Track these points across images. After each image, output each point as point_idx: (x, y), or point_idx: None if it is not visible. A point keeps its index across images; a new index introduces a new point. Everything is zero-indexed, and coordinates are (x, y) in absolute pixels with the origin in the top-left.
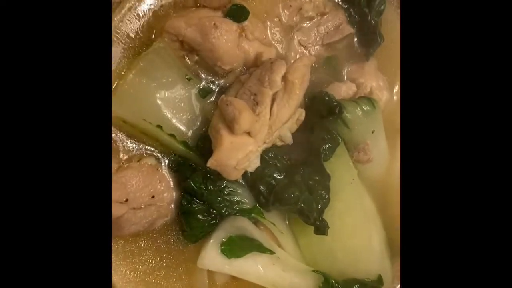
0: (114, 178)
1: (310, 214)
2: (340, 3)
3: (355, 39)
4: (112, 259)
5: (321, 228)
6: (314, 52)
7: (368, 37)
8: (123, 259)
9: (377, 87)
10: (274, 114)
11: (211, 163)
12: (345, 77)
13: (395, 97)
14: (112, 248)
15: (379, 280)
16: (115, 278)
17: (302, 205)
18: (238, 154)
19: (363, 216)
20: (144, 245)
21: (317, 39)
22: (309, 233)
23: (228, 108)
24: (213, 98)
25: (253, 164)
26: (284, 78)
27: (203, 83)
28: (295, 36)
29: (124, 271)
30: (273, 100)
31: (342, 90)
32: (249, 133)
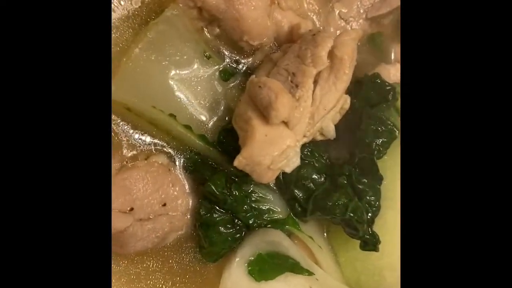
0: (115, 180)
1: (360, 225)
2: None
3: None
4: (113, 284)
5: (370, 243)
6: (356, 27)
7: None
8: (127, 284)
9: None
10: (317, 100)
11: (239, 161)
12: (393, 58)
13: None
14: (113, 270)
15: None
16: None
17: (351, 214)
18: (274, 150)
19: None
20: (152, 266)
21: (360, 11)
22: (351, 248)
23: (261, 91)
24: (237, 82)
25: (292, 163)
26: (331, 54)
27: (225, 62)
28: (335, 8)
29: None
30: (315, 82)
31: (391, 74)
32: (286, 124)
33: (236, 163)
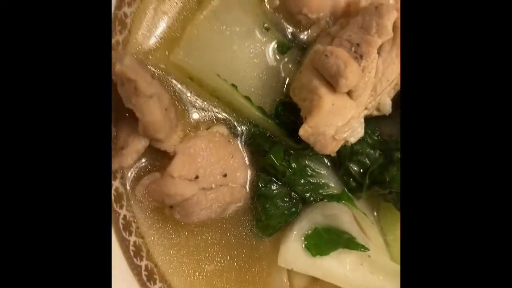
0: (180, 148)
1: None
2: None
3: None
4: (173, 256)
5: None
6: None
7: None
8: (186, 255)
9: None
10: (379, 71)
11: (305, 130)
12: None
13: None
14: (174, 241)
15: None
16: (176, 280)
17: None
18: (338, 120)
19: None
20: (211, 238)
21: None
22: (400, 228)
23: (328, 59)
24: (293, 55)
25: (357, 133)
26: (394, 26)
27: (283, 35)
28: None
29: (187, 271)
30: (377, 54)
31: None
32: (349, 94)
33: (301, 132)
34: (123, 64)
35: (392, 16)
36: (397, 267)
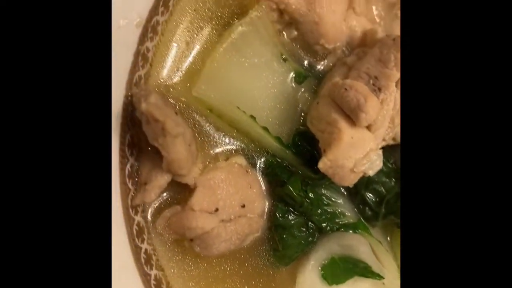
0: (201, 181)
1: None
2: None
3: None
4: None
5: None
6: None
7: None
8: (206, 287)
9: None
10: (397, 104)
11: (324, 163)
12: None
13: None
14: (193, 273)
15: None
16: None
17: None
18: (357, 152)
19: None
20: (229, 269)
21: None
22: None
23: (348, 93)
24: (310, 85)
25: (376, 166)
26: None
27: (300, 65)
28: (398, 14)
29: None
30: (395, 87)
31: None
32: (368, 127)
33: (320, 165)
34: (149, 103)
35: None
36: None
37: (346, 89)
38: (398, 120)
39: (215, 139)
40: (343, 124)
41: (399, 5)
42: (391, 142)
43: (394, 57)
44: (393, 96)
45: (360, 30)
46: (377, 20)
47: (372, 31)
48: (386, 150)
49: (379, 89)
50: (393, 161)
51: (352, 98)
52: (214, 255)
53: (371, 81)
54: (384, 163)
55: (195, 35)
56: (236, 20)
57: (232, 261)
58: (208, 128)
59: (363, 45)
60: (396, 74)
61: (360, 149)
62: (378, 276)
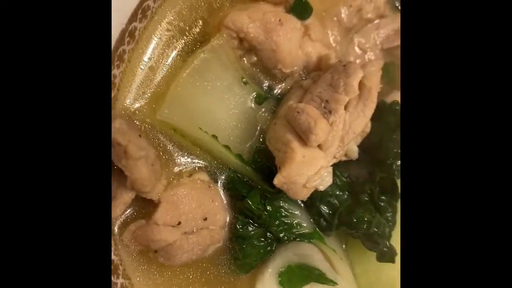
0: (164, 196)
1: (381, 240)
2: (398, 6)
3: None
4: None
5: (387, 255)
6: (372, 57)
7: None
8: None
9: None
10: (346, 125)
11: (278, 180)
12: None
13: None
14: (158, 281)
15: None
16: None
17: (376, 229)
18: (309, 170)
19: None
20: (192, 276)
21: (377, 43)
22: (367, 260)
23: (300, 116)
24: (270, 106)
25: (326, 182)
26: (360, 83)
27: (259, 88)
28: (354, 39)
29: None
30: (345, 109)
31: None
32: (319, 146)
33: (275, 181)
34: (113, 128)
35: (358, 75)
36: None
37: (298, 112)
38: (347, 140)
39: (179, 157)
40: (295, 144)
41: (353, 30)
42: (344, 158)
43: (344, 83)
44: (342, 118)
45: (315, 56)
46: (333, 44)
47: (326, 57)
48: (341, 165)
49: (330, 112)
50: (347, 175)
51: (304, 121)
52: (177, 265)
53: (323, 104)
54: (338, 177)
55: (160, 61)
56: (199, 47)
57: (195, 269)
58: (172, 147)
59: (318, 69)
60: (345, 98)
61: (312, 166)
62: (332, 282)
